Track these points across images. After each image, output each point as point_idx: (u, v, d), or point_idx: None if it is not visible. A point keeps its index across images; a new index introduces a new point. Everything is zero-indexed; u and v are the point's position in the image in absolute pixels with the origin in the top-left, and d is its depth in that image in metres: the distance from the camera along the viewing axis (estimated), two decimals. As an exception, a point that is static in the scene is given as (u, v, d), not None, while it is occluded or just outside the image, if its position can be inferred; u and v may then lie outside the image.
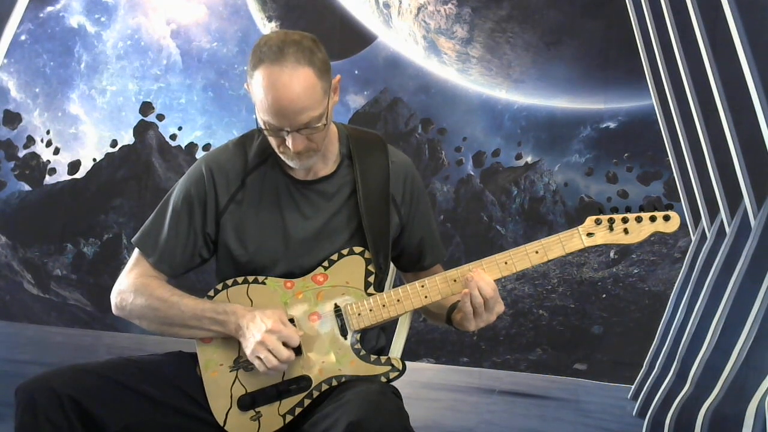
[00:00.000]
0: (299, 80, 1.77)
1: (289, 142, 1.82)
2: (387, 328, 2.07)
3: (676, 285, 3.20)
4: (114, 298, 1.96)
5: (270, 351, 1.78)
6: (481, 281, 1.83)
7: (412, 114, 3.70)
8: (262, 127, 1.83)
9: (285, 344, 1.79)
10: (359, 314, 1.88)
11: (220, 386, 1.88)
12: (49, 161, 4.23)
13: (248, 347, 1.81)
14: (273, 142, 1.87)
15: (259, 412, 1.85)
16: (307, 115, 1.79)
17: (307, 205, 1.95)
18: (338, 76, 1.90)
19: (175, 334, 1.92)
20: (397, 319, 2.02)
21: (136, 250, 1.99)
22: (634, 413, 3.20)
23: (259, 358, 1.79)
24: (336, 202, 1.96)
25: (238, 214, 1.95)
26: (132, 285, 1.94)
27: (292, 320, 1.87)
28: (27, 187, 4.27)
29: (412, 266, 2.10)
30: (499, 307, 1.86)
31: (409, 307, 1.89)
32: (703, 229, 3.16)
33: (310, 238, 1.93)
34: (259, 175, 1.96)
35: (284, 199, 1.95)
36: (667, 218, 1.86)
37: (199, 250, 1.98)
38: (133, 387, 1.82)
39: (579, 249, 1.86)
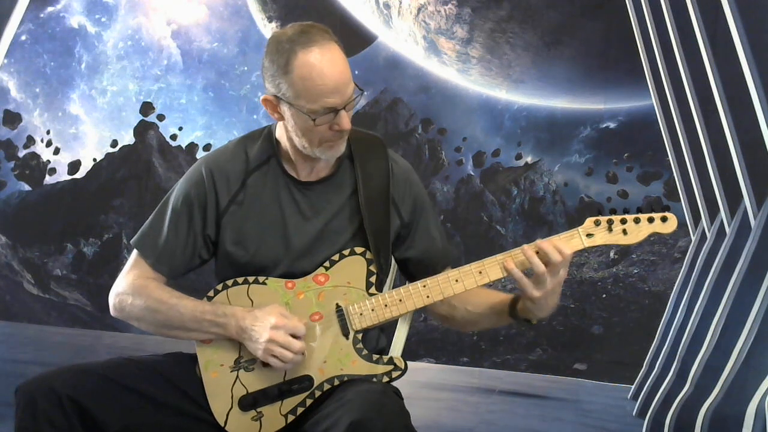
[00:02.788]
0: (337, 52, 1.82)
1: (343, 120, 1.82)
2: (386, 329, 2.07)
3: (676, 285, 3.20)
4: (112, 299, 1.96)
5: (282, 346, 1.78)
6: (550, 248, 1.81)
7: (412, 114, 3.70)
8: (314, 118, 1.81)
9: (294, 336, 1.80)
10: (361, 314, 1.88)
11: (220, 386, 1.88)
12: (49, 161, 4.24)
13: (259, 349, 1.81)
14: (316, 134, 1.85)
15: (260, 412, 1.85)
16: (351, 87, 1.83)
17: (308, 206, 1.95)
18: None
19: (174, 336, 1.92)
20: (398, 319, 2.02)
21: (135, 251, 1.99)
22: (634, 413, 3.21)
23: (274, 356, 1.79)
24: (337, 203, 1.96)
25: (238, 215, 1.95)
26: (130, 286, 1.94)
27: (292, 320, 1.88)
28: (27, 187, 4.27)
29: (422, 275, 1.99)
30: (564, 273, 1.83)
31: (411, 307, 1.89)
32: (703, 229, 3.16)
33: (311, 239, 1.93)
34: (260, 176, 1.96)
35: (285, 199, 1.95)
36: (664, 219, 1.87)
37: (198, 251, 1.97)
38: (133, 387, 1.82)
39: (579, 249, 1.86)
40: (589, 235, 1.87)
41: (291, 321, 1.81)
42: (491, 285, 1.90)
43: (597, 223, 1.88)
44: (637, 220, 1.87)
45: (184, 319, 1.88)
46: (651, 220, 1.87)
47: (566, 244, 1.83)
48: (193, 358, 1.93)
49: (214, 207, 1.95)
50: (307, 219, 1.94)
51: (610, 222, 1.87)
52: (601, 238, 1.87)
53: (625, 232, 1.87)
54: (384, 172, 1.97)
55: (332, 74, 1.78)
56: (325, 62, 1.78)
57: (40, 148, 4.25)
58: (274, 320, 1.80)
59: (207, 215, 1.95)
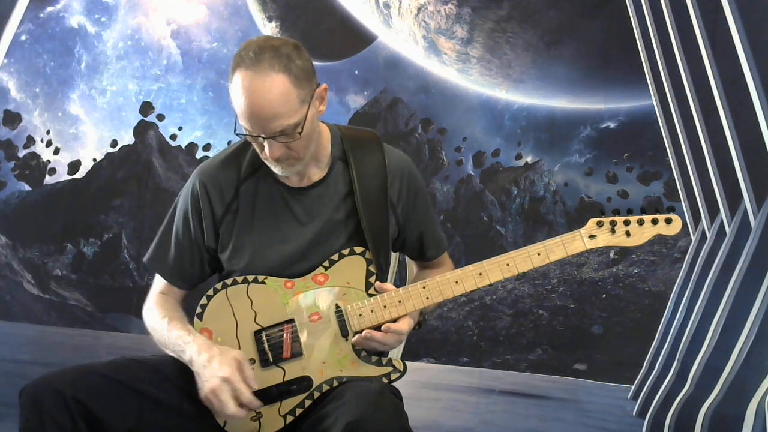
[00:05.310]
0: (271, 86, 1.76)
1: (264, 149, 1.82)
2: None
3: (676, 285, 3.20)
4: (143, 316, 2.01)
5: (220, 401, 1.76)
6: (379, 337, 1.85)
7: (412, 114, 3.70)
8: (243, 132, 1.82)
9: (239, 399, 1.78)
10: (360, 315, 1.88)
11: (221, 387, 1.88)
12: (49, 161, 4.23)
13: (202, 389, 1.79)
14: (256, 148, 1.87)
15: (259, 412, 1.85)
16: (279, 123, 1.77)
17: (302, 212, 1.95)
18: (324, 86, 1.88)
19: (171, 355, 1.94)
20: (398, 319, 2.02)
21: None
22: (634, 413, 3.21)
23: (210, 404, 1.78)
24: (331, 206, 1.95)
25: (233, 224, 1.96)
26: (149, 303, 2.00)
27: (291, 320, 1.88)
28: (27, 187, 4.27)
29: (416, 258, 2.13)
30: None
31: (411, 308, 1.88)
32: (703, 229, 3.16)
33: (308, 244, 1.93)
34: (252, 184, 1.97)
35: (279, 207, 1.95)
36: (668, 221, 1.86)
37: (205, 262, 2.01)
38: (137, 388, 1.82)
39: (581, 251, 1.86)
40: (591, 237, 1.86)
41: (241, 384, 1.77)
42: (491, 286, 1.90)
43: (600, 225, 1.87)
44: (640, 222, 1.87)
45: (168, 342, 1.90)
46: (655, 221, 1.87)
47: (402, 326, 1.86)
48: (194, 359, 1.93)
49: (210, 218, 1.97)
50: (303, 224, 1.94)
51: (613, 223, 1.87)
52: (604, 239, 1.87)
53: (628, 233, 1.87)
54: (380, 170, 1.97)
55: (250, 103, 1.76)
56: (250, 89, 1.76)
57: (40, 148, 4.25)
58: (227, 373, 1.77)
59: (205, 227, 1.97)
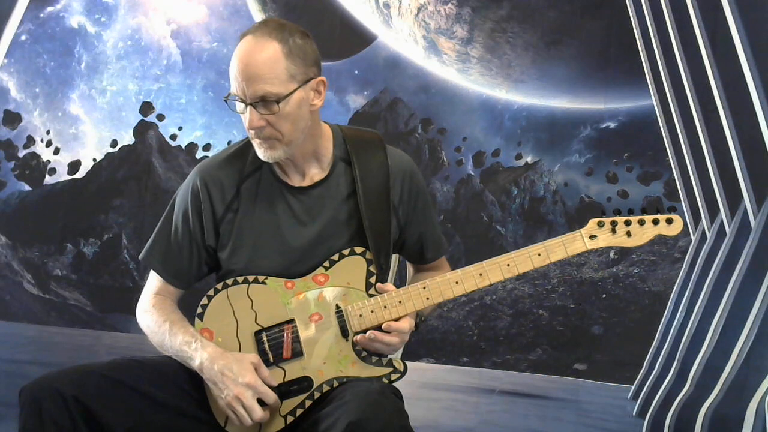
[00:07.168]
0: (262, 48, 1.80)
1: (244, 116, 1.83)
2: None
3: (676, 285, 3.20)
4: (137, 316, 2.01)
5: (245, 408, 1.78)
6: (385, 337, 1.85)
7: (412, 114, 3.70)
8: (226, 97, 1.85)
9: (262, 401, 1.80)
10: (360, 315, 1.88)
11: (221, 387, 1.88)
12: (49, 161, 4.23)
13: (221, 398, 1.80)
14: (244, 123, 1.87)
15: (260, 413, 1.85)
16: (261, 87, 1.79)
17: (303, 211, 1.94)
18: (321, 78, 1.89)
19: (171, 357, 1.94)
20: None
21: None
22: (634, 413, 3.21)
23: (234, 413, 1.79)
24: (333, 206, 1.95)
25: (234, 223, 1.95)
26: (145, 304, 2.00)
27: (292, 321, 1.88)
28: (27, 187, 4.27)
29: (415, 260, 2.13)
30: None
31: (411, 309, 1.88)
32: (703, 229, 3.16)
33: (308, 245, 1.93)
34: (254, 182, 1.96)
35: (279, 205, 1.95)
36: (669, 221, 1.86)
37: (203, 261, 2.00)
38: (137, 388, 1.82)
39: (581, 251, 1.86)
40: (592, 237, 1.86)
41: (263, 387, 1.79)
42: (491, 286, 1.90)
43: (600, 225, 1.87)
44: (641, 222, 1.87)
45: (170, 346, 1.90)
46: (656, 222, 1.87)
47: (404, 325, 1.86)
48: (194, 359, 1.93)
49: (211, 216, 1.96)
50: (303, 224, 1.94)
51: (613, 223, 1.87)
52: (605, 240, 1.87)
53: (629, 234, 1.87)
54: (383, 170, 1.97)
55: (239, 60, 1.81)
56: (242, 49, 1.82)
57: (40, 148, 4.25)
58: (248, 379, 1.79)
59: (205, 226, 1.96)
